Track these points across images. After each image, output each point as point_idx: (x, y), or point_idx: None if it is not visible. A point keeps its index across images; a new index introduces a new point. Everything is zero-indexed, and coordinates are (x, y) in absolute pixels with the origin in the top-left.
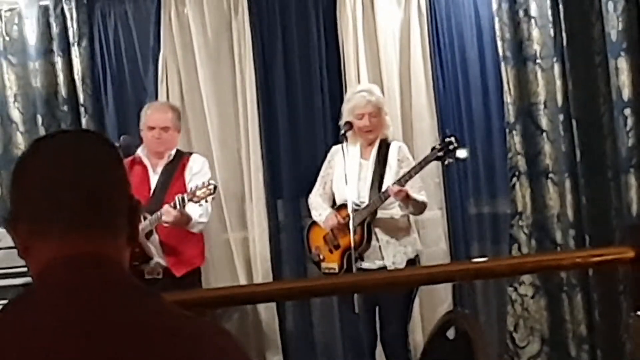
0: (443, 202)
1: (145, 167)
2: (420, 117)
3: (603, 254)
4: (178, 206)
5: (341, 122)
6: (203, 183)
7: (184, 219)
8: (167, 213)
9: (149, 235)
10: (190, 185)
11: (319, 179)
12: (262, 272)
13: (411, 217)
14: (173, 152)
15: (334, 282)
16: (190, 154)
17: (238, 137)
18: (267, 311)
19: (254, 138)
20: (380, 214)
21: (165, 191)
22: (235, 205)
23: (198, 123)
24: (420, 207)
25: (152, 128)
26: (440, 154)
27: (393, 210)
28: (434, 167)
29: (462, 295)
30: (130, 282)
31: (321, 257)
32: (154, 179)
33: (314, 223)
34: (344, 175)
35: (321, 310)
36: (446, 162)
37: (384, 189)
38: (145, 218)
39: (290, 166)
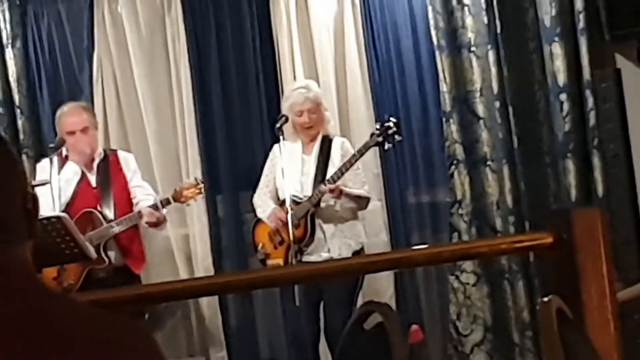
0: (382, 192)
1: (82, 172)
2: (357, 108)
3: (522, 240)
4: (160, 207)
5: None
6: (191, 183)
7: (162, 220)
8: (151, 215)
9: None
10: (132, 183)
11: (262, 178)
12: (203, 268)
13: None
14: (101, 150)
15: (274, 273)
16: (114, 150)
17: (175, 134)
18: (209, 308)
19: (191, 134)
20: (323, 205)
21: (109, 192)
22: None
23: (134, 121)
24: (361, 202)
25: (72, 133)
26: (380, 139)
27: (336, 201)
28: (372, 158)
29: (404, 286)
30: (34, 286)
31: (267, 253)
32: (92, 180)
33: (259, 220)
34: (287, 170)
35: (264, 305)
36: (386, 147)
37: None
38: (108, 221)
39: (228, 161)
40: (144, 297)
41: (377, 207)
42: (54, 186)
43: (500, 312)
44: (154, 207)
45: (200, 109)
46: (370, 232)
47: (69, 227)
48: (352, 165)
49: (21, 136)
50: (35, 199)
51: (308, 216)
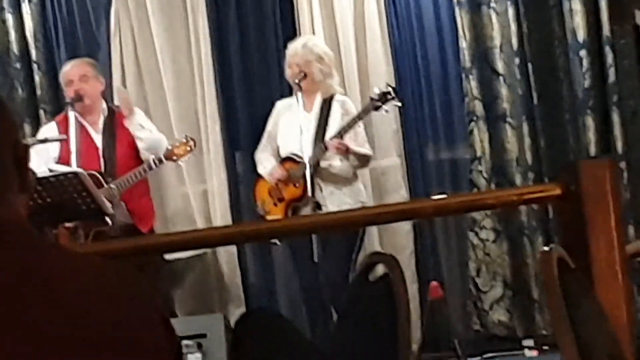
0: (401, 148)
1: (84, 127)
2: (376, 65)
3: (530, 192)
4: (154, 167)
5: (285, 73)
6: (181, 141)
7: None
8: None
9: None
10: (138, 140)
11: (264, 134)
12: (222, 225)
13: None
14: (105, 107)
15: (289, 223)
16: (119, 106)
17: (194, 90)
18: (228, 264)
19: (210, 90)
20: (323, 164)
21: (114, 150)
22: (192, 158)
23: (152, 77)
24: (363, 160)
25: (70, 82)
26: (378, 103)
27: (335, 160)
28: (391, 114)
29: (424, 243)
30: (29, 240)
31: (266, 210)
32: (97, 139)
33: (260, 177)
34: (290, 128)
35: (282, 261)
36: (385, 111)
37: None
38: (107, 182)
39: (247, 118)
40: (159, 245)
41: (396, 163)
42: (72, 142)
43: (519, 268)
44: (148, 166)
45: (219, 65)
46: (389, 188)
47: (86, 182)
48: (351, 128)
49: (38, 92)
50: (26, 149)
51: (307, 175)
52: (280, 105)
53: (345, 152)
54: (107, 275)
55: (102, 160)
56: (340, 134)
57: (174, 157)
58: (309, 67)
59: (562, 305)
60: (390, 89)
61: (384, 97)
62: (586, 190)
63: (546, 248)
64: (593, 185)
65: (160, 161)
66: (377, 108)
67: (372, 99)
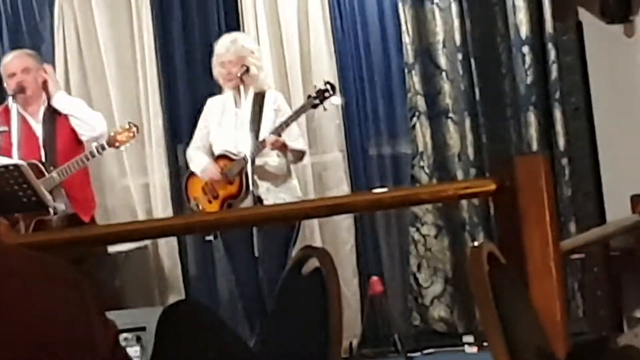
0: (343, 144)
1: (24, 118)
2: (319, 60)
3: (465, 187)
4: (97, 154)
5: (213, 71)
6: (124, 127)
7: None
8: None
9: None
10: (79, 130)
11: (196, 131)
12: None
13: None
14: (44, 97)
15: (231, 215)
16: None
17: (136, 82)
18: (169, 258)
19: (152, 83)
20: (259, 161)
21: (54, 139)
22: (134, 151)
23: (96, 69)
24: (298, 155)
25: (12, 74)
26: (316, 102)
27: (270, 157)
28: (334, 109)
29: (365, 237)
30: None
31: (200, 207)
32: (37, 129)
33: (192, 174)
34: (222, 125)
35: (223, 254)
36: (324, 109)
37: (261, 138)
38: (48, 171)
39: (189, 111)
40: (101, 237)
41: (338, 158)
42: (14, 134)
43: (460, 264)
44: (90, 154)
45: (161, 58)
46: (331, 183)
47: (27, 174)
48: (288, 125)
49: None
50: None
51: (243, 172)
52: (211, 102)
53: (282, 148)
54: (33, 266)
55: (42, 149)
56: (277, 131)
57: (117, 144)
58: (243, 62)
59: (490, 302)
60: (328, 86)
61: (321, 95)
62: (521, 186)
63: (476, 243)
64: (527, 181)
65: (103, 148)
66: (315, 106)
67: (309, 96)
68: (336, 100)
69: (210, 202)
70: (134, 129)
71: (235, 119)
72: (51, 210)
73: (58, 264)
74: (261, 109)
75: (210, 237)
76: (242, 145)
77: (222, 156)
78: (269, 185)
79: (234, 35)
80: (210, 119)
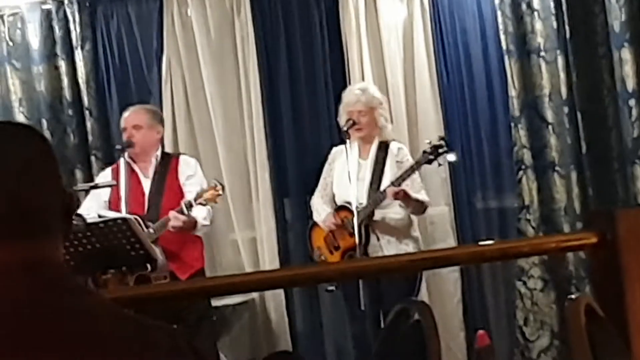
0: (450, 197)
1: (134, 173)
2: (425, 113)
3: (566, 240)
4: (185, 211)
5: (339, 119)
6: (210, 185)
7: (191, 224)
8: (175, 219)
9: (154, 242)
10: (186, 188)
11: (320, 180)
12: None
13: (412, 216)
14: (158, 153)
15: (340, 267)
16: (179, 155)
17: (243, 136)
18: (276, 311)
19: (259, 137)
20: (378, 215)
21: (161, 196)
22: (241, 205)
23: (203, 123)
24: (421, 207)
25: (124, 129)
26: (431, 157)
27: (391, 210)
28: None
29: (471, 291)
30: (66, 283)
31: (322, 257)
32: (146, 184)
33: (316, 224)
34: (345, 175)
35: (330, 308)
36: (439, 165)
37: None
38: (147, 226)
39: (296, 164)
40: (204, 289)
41: (444, 211)
42: (122, 188)
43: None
44: (179, 211)
45: (268, 112)
46: (438, 236)
47: (135, 229)
48: (405, 179)
49: (90, 138)
50: (74, 198)
51: (363, 224)
52: (336, 151)
53: (404, 197)
54: (133, 322)
55: (147, 205)
56: (395, 183)
57: (202, 201)
58: (373, 113)
59: (588, 354)
60: (442, 142)
61: (435, 151)
62: (622, 239)
63: (574, 296)
64: (629, 234)
65: (190, 205)
66: (429, 161)
67: (425, 152)
68: (451, 157)
69: (332, 252)
70: (219, 187)
71: (357, 169)
72: (149, 266)
73: (161, 328)
74: (384, 160)
75: (332, 287)
76: (363, 196)
77: (343, 207)
78: (390, 237)
79: (363, 84)
80: (334, 168)
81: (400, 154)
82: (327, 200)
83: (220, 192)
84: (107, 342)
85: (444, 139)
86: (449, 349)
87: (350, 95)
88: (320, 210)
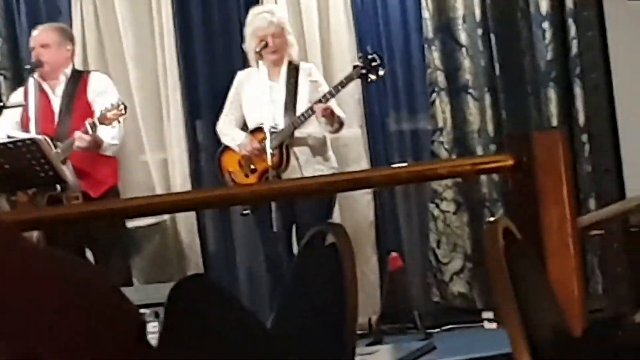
0: (363, 119)
1: (44, 92)
2: (339, 34)
3: (482, 162)
4: (90, 131)
5: (244, 45)
6: (112, 104)
7: (97, 144)
8: (80, 139)
9: (63, 162)
10: (95, 106)
11: (226, 104)
12: None
13: (328, 135)
14: (68, 71)
15: (254, 190)
16: (89, 72)
17: (154, 57)
18: (188, 233)
19: (171, 57)
20: (298, 133)
21: (70, 114)
22: (152, 126)
23: (113, 42)
24: (341, 124)
25: (32, 48)
26: (364, 71)
27: (310, 128)
28: (354, 84)
29: (384, 213)
30: None
31: (237, 181)
32: (56, 103)
33: (226, 148)
34: (256, 98)
35: (242, 230)
36: (369, 80)
37: (298, 110)
38: (55, 146)
39: (208, 87)
40: (118, 211)
41: (357, 134)
42: (31, 108)
43: (480, 240)
44: (84, 131)
45: (180, 31)
46: (351, 158)
47: (44, 149)
48: (333, 96)
49: None
50: None
51: (283, 145)
52: (242, 75)
53: (331, 115)
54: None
55: (56, 124)
56: (323, 100)
57: (106, 122)
58: (284, 34)
59: (505, 278)
60: (375, 56)
61: (369, 64)
62: (538, 161)
63: (492, 219)
64: (545, 156)
65: (94, 125)
66: (361, 75)
67: (356, 66)
68: (382, 71)
69: (247, 176)
70: (122, 107)
71: (270, 92)
72: (58, 187)
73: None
74: (296, 81)
75: (247, 211)
76: (279, 119)
77: (259, 129)
78: (308, 157)
79: (269, 7)
80: (242, 92)
81: (313, 73)
82: (237, 124)
83: (123, 112)
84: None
85: (377, 53)
86: (362, 273)
87: (259, 18)
88: (234, 134)
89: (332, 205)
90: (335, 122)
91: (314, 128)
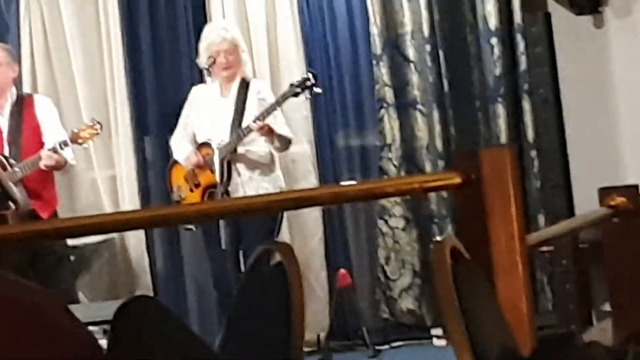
0: (311, 135)
1: None
2: (287, 50)
3: (430, 180)
4: (59, 149)
5: (198, 60)
6: (87, 124)
7: (63, 163)
8: (49, 157)
9: (19, 181)
10: (44, 127)
11: (180, 120)
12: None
13: (275, 153)
14: (14, 91)
15: (200, 208)
16: (32, 95)
17: (103, 75)
18: (136, 250)
19: (119, 75)
20: (241, 150)
21: (20, 135)
22: (101, 143)
23: (62, 60)
24: (285, 142)
25: None
26: (298, 89)
27: (254, 146)
28: (302, 100)
29: (333, 229)
30: None
31: (182, 196)
32: (3, 123)
33: (175, 162)
34: (206, 113)
35: (190, 248)
36: (305, 98)
37: (244, 126)
38: (12, 165)
39: (157, 103)
40: (64, 230)
41: (306, 150)
42: None
43: (428, 256)
44: (53, 150)
45: (128, 49)
46: (299, 175)
47: None
48: (270, 113)
49: None
50: None
51: (225, 160)
52: (196, 90)
53: (269, 132)
54: None
55: (6, 144)
56: (260, 118)
57: (79, 140)
58: (237, 51)
59: (453, 297)
60: (310, 76)
61: (303, 84)
62: (486, 179)
63: (439, 238)
64: (493, 174)
65: (66, 144)
66: (296, 94)
67: (292, 85)
68: (317, 89)
69: (192, 190)
70: (98, 126)
71: (220, 107)
72: (11, 205)
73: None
74: (246, 98)
75: (191, 227)
76: (225, 134)
77: (205, 144)
78: (252, 174)
79: (223, 23)
80: (195, 107)
81: (262, 91)
82: (188, 140)
83: (99, 130)
84: None
85: (312, 72)
86: (311, 289)
87: (214, 34)
88: (182, 148)
89: (279, 222)
90: (275, 140)
91: (259, 146)
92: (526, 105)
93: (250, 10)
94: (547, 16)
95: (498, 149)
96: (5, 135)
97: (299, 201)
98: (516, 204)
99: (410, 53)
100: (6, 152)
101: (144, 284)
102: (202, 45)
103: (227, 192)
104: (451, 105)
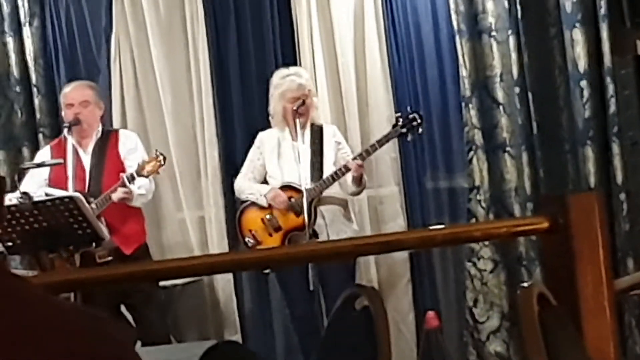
0: (400, 177)
1: (76, 151)
2: (376, 92)
3: (518, 225)
4: (127, 183)
5: (270, 108)
6: (152, 156)
7: (133, 196)
8: (117, 191)
9: (97, 218)
10: (127, 162)
11: (246, 163)
12: (218, 252)
13: (349, 197)
14: (100, 129)
15: (289, 251)
16: (117, 130)
17: (192, 114)
18: (224, 292)
19: (208, 115)
20: (325, 192)
21: (102, 171)
22: (190, 183)
23: (152, 102)
24: (365, 185)
25: (70, 105)
26: (403, 130)
27: (333, 189)
28: (390, 142)
29: (421, 272)
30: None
31: (259, 240)
32: (86, 160)
33: (245, 208)
34: (277, 159)
35: (277, 289)
36: (408, 139)
37: (324, 170)
38: (89, 202)
39: (246, 144)
40: (154, 272)
41: (394, 192)
42: (69, 166)
43: (517, 299)
44: (122, 184)
45: (218, 89)
46: (387, 217)
47: (82, 207)
48: (370, 154)
49: (37, 115)
50: (3, 180)
51: (313, 203)
52: (264, 135)
53: (361, 176)
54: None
55: (88, 180)
56: (360, 157)
57: (144, 173)
58: (310, 96)
59: (539, 344)
60: (416, 115)
61: (409, 123)
62: (574, 224)
63: (526, 284)
64: (581, 219)
65: (133, 177)
66: (401, 135)
67: (395, 124)
68: (420, 129)
69: (270, 235)
70: (161, 157)
71: (294, 153)
72: (94, 243)
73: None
74: (322, 142)
75: (268, 270)
76: (305, 179)
77: (288, 187)
78: (334, 217)
79: (295, 69)
80: (265, 151)
81: (336, 135)
82: (256, 182)
83: (162, 162)
84: (40, 330)
85: (417, 112)
86: (398, 330)
87: (288, 81)
88: (258, 187)
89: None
90: (361, 183)
91: (334, 189)
92: (615, 147)
93: (339, 52)
94: (637, 59)
95: (586, 194)
96: (87, 172)
97: (388, 245)
98: (604, 249)
99: (500, 95)
100: (87, 189)
101: (232, 325)
102: (276, 92)
103: (315, 234)
104: (540, 148)
